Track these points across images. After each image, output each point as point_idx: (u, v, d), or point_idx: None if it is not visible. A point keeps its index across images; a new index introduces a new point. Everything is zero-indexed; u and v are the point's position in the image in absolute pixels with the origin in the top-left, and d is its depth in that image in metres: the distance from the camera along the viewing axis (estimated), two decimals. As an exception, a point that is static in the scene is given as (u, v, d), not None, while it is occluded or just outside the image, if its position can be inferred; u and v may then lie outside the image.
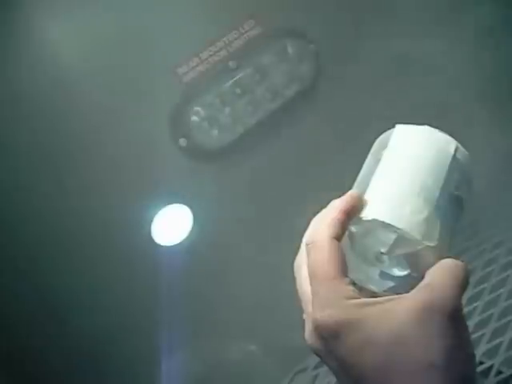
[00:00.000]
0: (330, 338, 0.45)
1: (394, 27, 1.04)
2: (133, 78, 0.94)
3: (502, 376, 0.77)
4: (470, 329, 0.86)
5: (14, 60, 0.87)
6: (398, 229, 0.49)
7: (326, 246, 0.48)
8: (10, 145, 0.89)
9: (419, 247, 0.49)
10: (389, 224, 0.50)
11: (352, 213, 0.50)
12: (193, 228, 1.01)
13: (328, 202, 0.54)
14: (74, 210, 0.93)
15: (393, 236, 0.50)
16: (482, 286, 0.94)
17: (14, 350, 0.91)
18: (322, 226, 0.49)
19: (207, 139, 1.00)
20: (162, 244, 0.99)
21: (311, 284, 0.47)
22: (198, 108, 0.98)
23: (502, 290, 0.91)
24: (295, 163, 1.06)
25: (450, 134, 0.55)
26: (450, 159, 0.53)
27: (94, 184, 0.94)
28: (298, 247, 0.53)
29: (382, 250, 0.51)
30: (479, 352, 0.81)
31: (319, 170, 1.04)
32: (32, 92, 0.88)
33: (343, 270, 0.47)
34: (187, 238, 1.01)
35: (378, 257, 0.52)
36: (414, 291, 0.46)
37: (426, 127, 0.55)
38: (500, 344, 0.81)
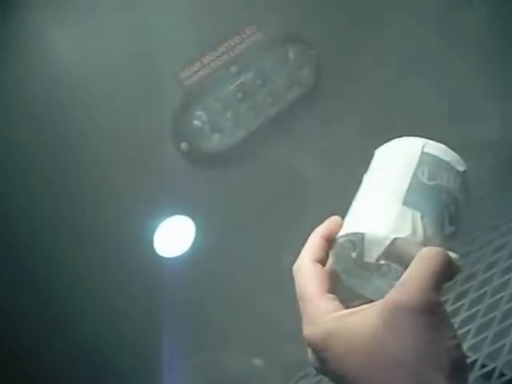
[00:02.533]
0: (319, 351, 0.49)
1: (396, 35, 1.04)
2: (135, 82, 0.94)
3: (504, 378, 0.78)
4: (473, 331, 0.87)
5: (16, 63, 0.87)
6: (363, 233, 0.51)
7: (305, 271, 0.52)
8: (14, 149, 0.89)
9: (388, 241, 0.50)
10: (354, 233, 0.52)
11: (331, 236, 0.54)
12: (195, 239, 1.01)
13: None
14: (76, 222, 0.92)
15: (364, 242, 0.51)
16: (483, 290, 0.94)
17: (16, 360, 0.91)
18: (303, 253, 0.54)
19: (209, 143, 1.00)
20: (164, 256, 0.99)
21: (300, 306, 0.52)
22: (199, 112, 0.99)
23: (503, 293, 0.91)
24: (297, 168, 1.06)
25: (451, 141, 0.55)
26: (417, 157, 0.53)
27: (95, 194, 0.94)
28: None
29: (366, 260, 0.52)
30: (482, 355, 0.81)
31: (321, 174, 1.04)
32: (34, 97, 0.88)
33: (324, 288, 0.51)
34: (189, 249, 1.01)
35: (378, 269, 0.53)
36: (389, 292, 0.48)
37: (395, 140, 0.56)
38: (502, 346, 0.81)
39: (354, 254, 0.52)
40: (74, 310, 0.94)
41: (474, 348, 0.84)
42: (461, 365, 0.46)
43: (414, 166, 0.53)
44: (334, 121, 1.06)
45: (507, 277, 0.94)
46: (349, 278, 0.54)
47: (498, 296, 0.91)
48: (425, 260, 0.48)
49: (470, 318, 0.90)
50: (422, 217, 0.51)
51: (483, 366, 0.80)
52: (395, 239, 0.50)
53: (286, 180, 1.05)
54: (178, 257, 1.00)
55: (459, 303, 0.93)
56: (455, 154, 0.55)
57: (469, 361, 0.82)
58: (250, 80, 1.01)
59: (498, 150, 1.11)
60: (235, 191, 1.03)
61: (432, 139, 0.55)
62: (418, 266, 0.47)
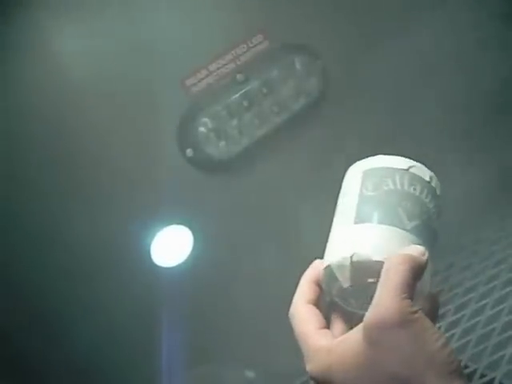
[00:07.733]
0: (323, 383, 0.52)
1: (403, 45, 1.05)
2: (141, 89, 0.94)
3: (485, 379, 0.81)
4: (473, 342, 0.88)
5: (23, 72, 0.88)
6: (329, 265, 0.53)
7: (298, 314, 0.55)
8: (16, 155, 0.89)
9: (347, 263, 0.52)
10: (324, 270, 0.54)
11: (317, 278, 0.56)
12: (193, 249, 1.01)
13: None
14: (73, 231, 0.93)
15: (334, 272, 0.53)
16: (484, 301, 0.95)
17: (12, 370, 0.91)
18: (295, 299, 0.56)
19: (214, 150, 1.00)
20: (161, 265, 0.99)
21: (299, 345, 0.55)
22: (205, 119, 0.99)
23: (504, 306, 0.92)
24: (301, 178, 1.06)
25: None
26: (360, 177, 0.56)
27: (92, 203, 0.94)
28: (302, 269, 0.57)
29: (345, 286, 0.53)
30: (481, 365, 0.83)
31: (326, 183, 1.04)
32: (36, 101, 0.89)
33: (317, 326, 0.54)
34: (187, 259, 1.01)
35: (369, 286, 0.53)
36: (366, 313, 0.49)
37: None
38: (502, 357, 0.82)
39: (338, 284, 0.54)
40: (71, 321, 0.94)
41: (474, 358, 0.84)
42: (450, 362, 0.47)
43: (359, 187, 0.55)
44: (339, 131, 1.07)
45: (508, 289, 0.95)
46: (347, 303, 0.55)
47: (499, 308, 0.92)
48: (387, 275, 0.49)
49: (471, 329, 0.90)
50: (375, 226, 0.52)
51: (482, 376, 0.81)
52: (352, 257, 0.51)
53: (287, 191, 1.06)
54: (175, 267, 1.00)
55: (460, 314, 0.94)
56: (395, 157, 0.56)
57: (468, 371, 0.83)
58: (256, 89, 1.02)
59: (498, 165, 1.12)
60: (233, 202, 1.03)
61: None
62: (385, 282, 0.49)
